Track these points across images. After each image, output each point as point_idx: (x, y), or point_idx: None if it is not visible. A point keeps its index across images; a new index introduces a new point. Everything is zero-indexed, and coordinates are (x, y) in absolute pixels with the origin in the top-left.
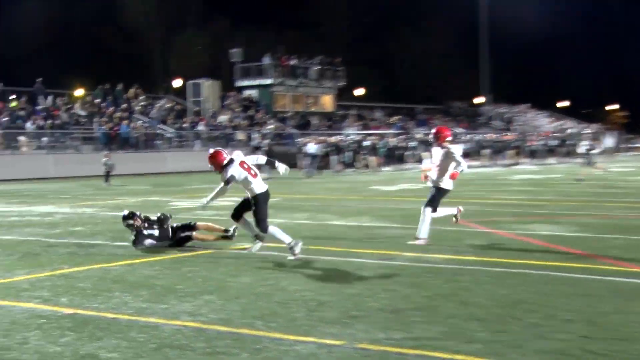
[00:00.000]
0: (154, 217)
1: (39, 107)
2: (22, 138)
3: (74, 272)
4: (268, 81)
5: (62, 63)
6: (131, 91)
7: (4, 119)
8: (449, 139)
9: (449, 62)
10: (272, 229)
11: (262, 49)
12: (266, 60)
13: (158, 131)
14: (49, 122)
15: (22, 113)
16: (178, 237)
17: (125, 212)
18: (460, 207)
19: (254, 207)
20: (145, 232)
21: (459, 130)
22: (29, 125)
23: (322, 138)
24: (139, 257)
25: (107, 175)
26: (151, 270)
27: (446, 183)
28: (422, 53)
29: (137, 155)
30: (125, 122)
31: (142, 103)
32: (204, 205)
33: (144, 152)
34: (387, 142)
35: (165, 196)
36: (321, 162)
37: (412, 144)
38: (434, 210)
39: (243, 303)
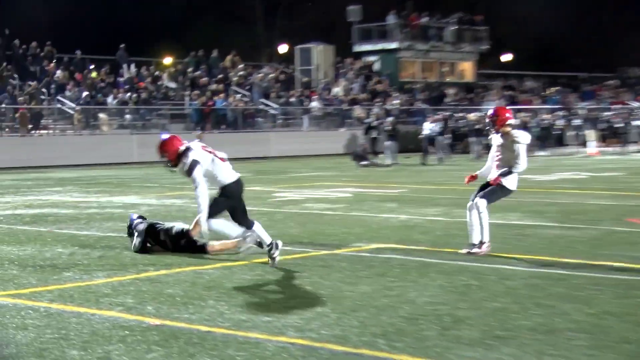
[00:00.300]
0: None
1: (122, 79)
2: (102, 115)
3: (161, 275)
4: (393, 45)
5: (148, 26)
6: (228, 59)
7: (83, 93)
8: (511, 122)
9: (623, 17)
10: (216, 223)
11: (385, 6)
12: (390, 20)
13: (260, 107)
14: (133, 96)
15: (102, 85)
16: (177, 244)
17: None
18: None
19: (218, 197)
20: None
21: (636, 104)
22: (110, 101)
23: (438, 116)
24: (237, 259)
25: None
26: (252, 275)
27: (510, 181)
28: (588, 8)
29: (234, 135)
30: (221, 96)
31: (241, 73)
32: (207, 233)
33: (243, 132)
34: (542, 120)
35: (268, 185)
36: (455, 145)
37: (576, 122)
38: (488, 202)
39: (362, 317)
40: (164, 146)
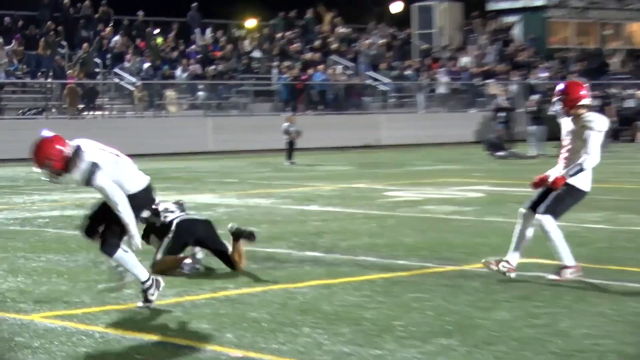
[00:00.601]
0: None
1: (194, 47)
2: (169, 92)
3: (244, 295)
4: (539, 2)
5: None
6: (327, 20)
7: (144, 65)
8: (586, 101)
9: None
10: (120, 255)
11: None
12: None
13: (367, 82)
14: (209, 68)
15: (169, 55)
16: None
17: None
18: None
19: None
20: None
21: None
22: (179, 74)
23: (597, 92)
24: (339, 275)
25: (291, 150)
26: (357, 296)
27: (582, 180)
28: None
29: (334, 119)
30: (318, 68)
31: (344, 39)
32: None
33: (345, 115)
34: None
35: (377, 182)
36: (621, 131)
37: None
38: (555, 216)
39: (499, 353)
40: (44, 150)
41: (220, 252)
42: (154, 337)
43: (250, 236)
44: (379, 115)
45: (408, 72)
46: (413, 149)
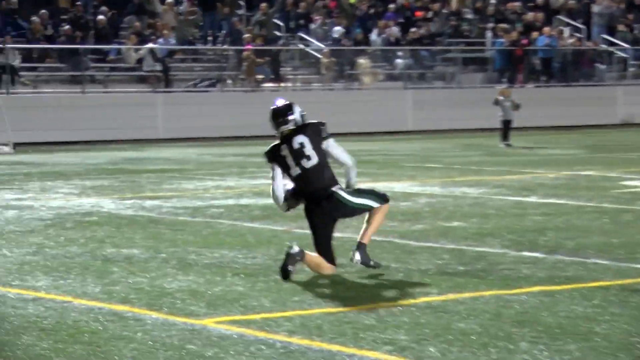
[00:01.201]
0: None
1: (392, 7)
2: (362, 61)
3: (448, 301)
4: None
5: None
6: None
7: (334, 28)
8: None
9: None
10: None
11: None
12: None
13: (602, 47)
14: (409, 31)
15: (362, 15)
16: None
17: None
18: None
19: None
20: None
21: None
22: (374, 38)
23: None
24: (564, 280)
25: (506, 129)
26: (586, 306)
27: None
28: None
29: (560, 92)
30: (545, 31)
31: None
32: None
33: (573, 87)
34: None
35: (611, 169)
36: None
37: None
38: None
39: None
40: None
41: None
42: (343, 349)
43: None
44: (616, 87)
45: None
46: None
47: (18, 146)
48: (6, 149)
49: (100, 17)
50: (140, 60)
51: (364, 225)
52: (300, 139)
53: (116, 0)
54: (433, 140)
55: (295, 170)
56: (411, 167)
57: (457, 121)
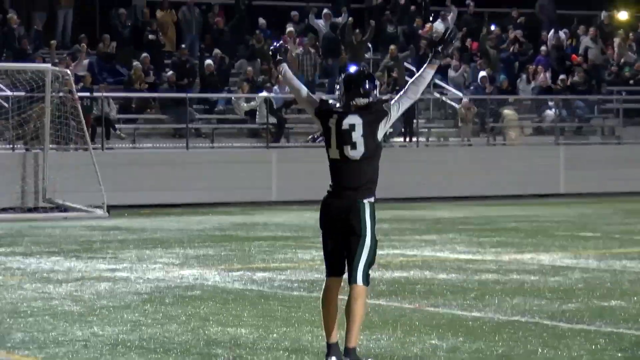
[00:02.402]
0: None
1: (544, 50)
2: (507, 112)
3: None
4: None
5: None
6: None
7: (478, 74)
8: None
9: None
10: None
11: None
12: None
13: None
14: (562, 78)
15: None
16: None
17: None
18: None
19: None
20: None
21: None
22: (522, 86)
23: None
24: None
25: None
26: None
27: None
28: None
29: None
30: None
31: None
32: None
33: None
34: None
35: None
36: None
37: None
38: None
39: None
40: None
41: None
42: None
43: None
44: None
45: None
46: None
47: (113, 209)
48: (99, 212)
49: (208, 61)
50: (252, 112)
51: (347, 323)
52: (352, 120)
53: (227, 42)
54: (589, 205)
55: (334, 153)
56: (563, 236)
57: (618, 182)
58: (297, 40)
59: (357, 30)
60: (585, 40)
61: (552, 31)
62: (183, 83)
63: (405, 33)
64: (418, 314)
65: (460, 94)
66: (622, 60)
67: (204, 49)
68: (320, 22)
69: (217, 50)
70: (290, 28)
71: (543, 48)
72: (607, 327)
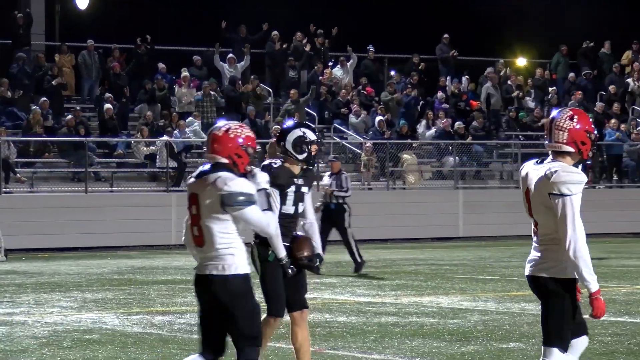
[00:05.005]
0: None
1: (440, 96)
2: (406, 156)
3: None
4: None
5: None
6: (627, 56)
7: (375, 118)
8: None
9: None
10: None
11: None
12: None
13: None
14: (460, 123)
15: (410, 104)
16: None
17: None
18: None
19: None
20: None
21: None
22: (421, 131)
23: None
24: None
25: None
26: None
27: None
28: None
29: (635, 192)
30: (611, 123)
31: None
32: None
33: (636, 188)
34: None
35: None
36: None
37: None
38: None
39: None
40: None
41: None
42: None
43: None
44: None
45: None
46: None
47: (10, 253)
48: None
49: (107, 105)
50: (152, 156)
51: None
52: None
53: (125, 87)
54: (488, 248)
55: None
56: (462, 279)
57: (516, 226)
58: (191, 84)
59: (253, 77)
60: (487, 87)
61: (449, 77)
62: (81, 127)
63: (307, 79)
64: (318, 357)
65: (361, 139)
66: (521, 105)
67: (103, 92)
68: (225, 66)
69: (114, 95)
70: (185, 73)
71: (440, 95)
72: None
